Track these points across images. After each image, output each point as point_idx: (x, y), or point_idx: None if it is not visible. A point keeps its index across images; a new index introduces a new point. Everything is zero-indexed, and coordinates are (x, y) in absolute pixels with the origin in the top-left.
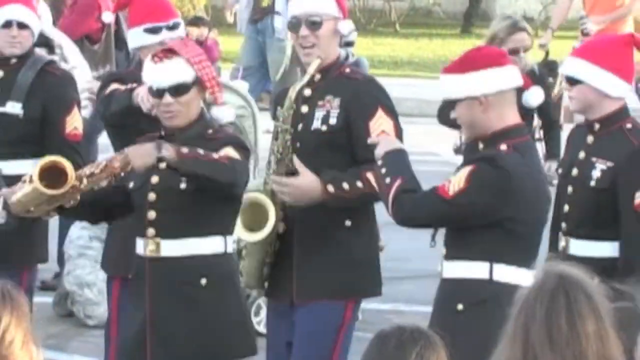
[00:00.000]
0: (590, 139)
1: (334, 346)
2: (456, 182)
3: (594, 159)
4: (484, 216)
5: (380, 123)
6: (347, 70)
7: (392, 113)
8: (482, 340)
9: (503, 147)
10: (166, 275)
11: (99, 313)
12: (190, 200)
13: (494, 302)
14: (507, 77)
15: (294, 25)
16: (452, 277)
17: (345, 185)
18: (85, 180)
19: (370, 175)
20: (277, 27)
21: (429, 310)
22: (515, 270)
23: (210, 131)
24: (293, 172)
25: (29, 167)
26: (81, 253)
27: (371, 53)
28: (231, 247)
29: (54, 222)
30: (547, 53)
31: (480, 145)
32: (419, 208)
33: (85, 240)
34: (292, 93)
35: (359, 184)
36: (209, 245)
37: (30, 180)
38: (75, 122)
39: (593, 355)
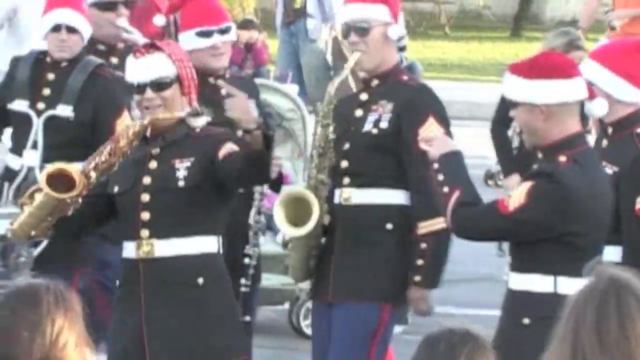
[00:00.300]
0: (604, 143)
1: (369, 349)
2: (516, 198)
3: (604, 163)
4: (544, 232)
5: (430, 130)
6: (405, 77)
7: (443, 121)
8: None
9: (562, 158)
10: (161, 276)
11: None
12: (186, 200)
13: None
14: (573, 89)
15: (345, 31)
16: (518, 289)
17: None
18: (92, 174)
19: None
20: (309, 29)
21: (479, 313)
22: (579, 283)
23: (197, 130)
24: (347, 172)
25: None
26: None
27: (421, 56)
28: (221, 248)
29: None
30: None
31: (540, 155)
32: (479, 223)
33: None
34: (331, 89)
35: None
36: (203, 244)
37: (30, 200)
38: (125, 125)
39: None
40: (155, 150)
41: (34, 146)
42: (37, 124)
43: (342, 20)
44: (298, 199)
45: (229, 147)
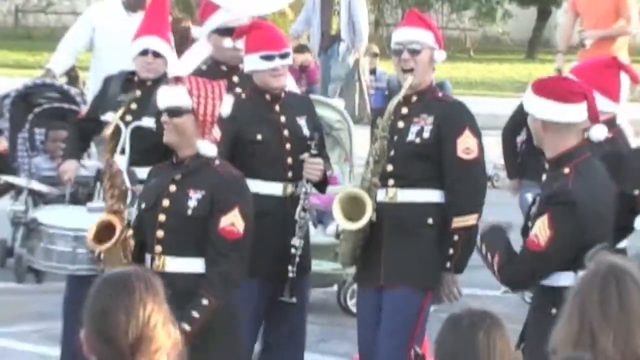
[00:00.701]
0: None
1: (414, 326)
2: (541, 233)
3: None
4: (575, 248)
5: (466, 141)
6: (440, 94)
7: (476, 133)
8: None
9: (566, 170)
10: (168, 288)
11: None
12: (192, 226)
13: None
14: (570, 113)
15: (397, 50)
16: (546, 284)
17: (328, 173)
18: (117, 205)
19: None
20: (341, 51)
21: (497, 294)
22: None
23: (216, 162)
24: (392, 174)
25: None
26: None
27: (449, 75)
28: None
29: None
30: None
31: (547, 166)
32: (522, 272)
33: None
34: (391, 107)
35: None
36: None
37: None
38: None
39: (639, 328)
40: (177, 176)
41: (122, 152)
42: (125, 133)
43: (396, 40)
44: (354, 197)
45: (228, 224)
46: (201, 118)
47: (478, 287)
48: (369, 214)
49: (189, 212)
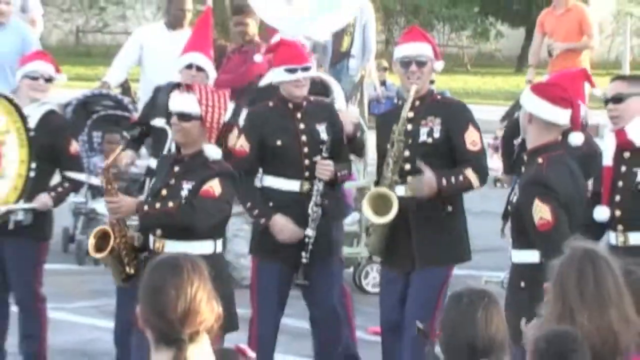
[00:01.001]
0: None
1: (438, 298)
2: (544, 213)
3: (635, 169)
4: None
5: (471, 135)
6: (439, 97)
7: (477, 127)
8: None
9: (540, 160)
10: None
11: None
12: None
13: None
14: (562, 116)
15: (406, 63)
16: (517, 262)
17: (453, 180)
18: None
19: (467, 172)
20: (351, 67)
21: (492, 274)
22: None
23: (211, 161)
24: (409, 172)
25: None
26: (235, 234)
27: (448, 86)
28: (220, 248)
29: None
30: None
31: (525, 158)
32: (555, 251)
33: (237, 225)
34: (404, 114)
35: (461, 178)
36: (201, 247)
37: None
38: (234, 139)
39: (613, 307)
40: (177, 170)
41: (169, 151)
42: (171, 136)
43: (402, 54)
44: (380, 195)
45: (207, 186)
46: (208, 125)
47: (474, 268)
48: (395, 209)
49: (183, 200)
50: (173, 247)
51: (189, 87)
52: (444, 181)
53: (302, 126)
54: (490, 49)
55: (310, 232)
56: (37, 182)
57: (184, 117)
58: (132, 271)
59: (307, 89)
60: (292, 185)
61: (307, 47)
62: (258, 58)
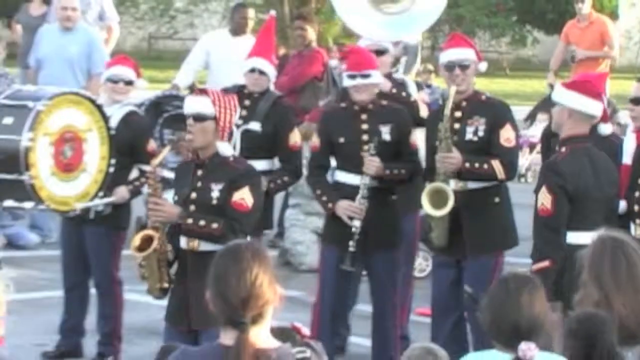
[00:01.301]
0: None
1: (492, 282)
2: (546, 200)
3: None
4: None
5: (507, 132)
6: (483, 97)
7: (515, 127)
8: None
9: (563, 149)
10: (201, 262)
11: (307, 261)
12: (218, 212)
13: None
14: (592, 107)
15: (450, 67)
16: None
17: (476, 165)
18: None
19: (494, 163)
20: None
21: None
22: (574, 235)
23: (231, 158)
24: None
25: (264, 165)
26: (292, 224)
27: (489, 89)
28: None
29: (278, 199)
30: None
31: (557, 146)
32: (547, 238)
33: (294, 215)
34: (446, 111)
35: (485, 166)
36: None
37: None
38: (295, 138)
39: None
40: (201, 173)
41: (234, 148)
42: (236, 134)
43: (449, 59)
44: (437, 190)
45: (239, 197)
46: (221, 124)
47: (512, 255)
48: (451, 202)
49: (214, 202)
50: (207, 245)
51: (201, 91)
52: (467, 163)
53: (365, 126)
54: (527, 55)
55: (356, 222)
56: (116, 176)
57: (200, 118)
58: (166, 285)
59: (368, 94)
60: (353, 179)
61: (391, 51)
62: (333, 62)
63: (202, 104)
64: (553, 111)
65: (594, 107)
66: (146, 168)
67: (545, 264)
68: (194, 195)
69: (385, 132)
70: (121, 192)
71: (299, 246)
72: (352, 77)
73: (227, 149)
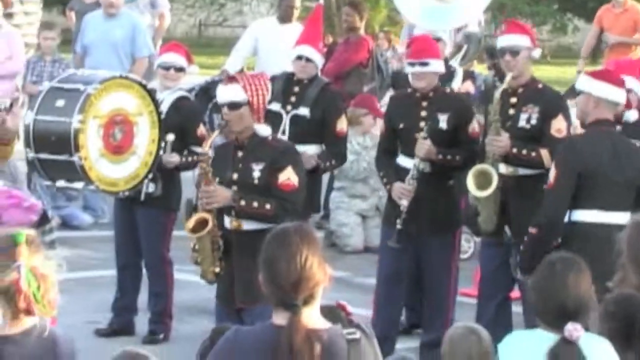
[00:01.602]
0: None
1: None
2: (552, 174)
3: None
4: (573, 187)
5: (558, 123)
6: (540, 85)
7: (567, 118)
8: None
9: (585, 130)
10: (245, 241)
11: (352, 242)
12: (260, 191)
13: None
14: (621, 96)
15: (502, 52)
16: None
17: (524, 152)
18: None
19: (542, 151)
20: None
21: None
22: (583, 212)
23: (269, 138)
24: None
25: (312, 150)
26: (337, 206)
27: None
28: None
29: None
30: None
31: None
32: (545, 210)
33: (339, 198)
34: (497, 95)
35: (533, 154)
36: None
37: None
38: (342, 124)
39: None
40: (241, 154)
41: (283, 133)
42: (285, 119)
43: (500, 45)
44: (482, 171)
45: (284, 179)
46: (255, 107)
47: None
48: (495, 183)
49: (255, 181)
50: (250, 225)
51: (232, 79)
52: (515, 149)
53: (423, 113)
54: (567, 42)
55: (404, 202)
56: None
57: (233, 106)
58: (218, 269)
59: (427, 82)
60: (410, 163)
61: (447, 39)
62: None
63: (234, 92)
64: (577, 100)
65: (618, 95)
66: (197, 149)
67: (532, 230)
68: (235, 176)
69: (443, 120)
70: (169, 157)
71: (344, 228)
72: (412, 64)
73: (265, 129)
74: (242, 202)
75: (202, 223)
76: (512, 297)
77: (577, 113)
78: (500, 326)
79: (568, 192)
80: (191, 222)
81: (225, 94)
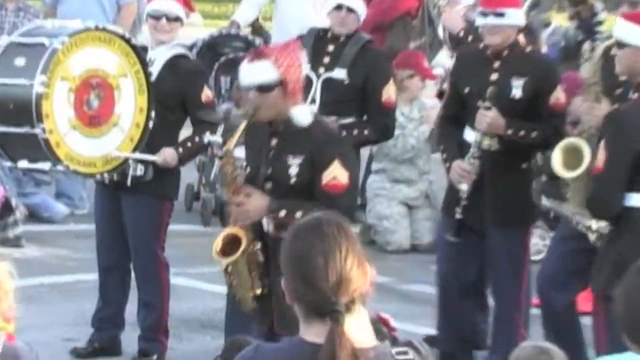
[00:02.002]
0: None
1: None
2: (600, 157)
3: None
4: (628, 166)
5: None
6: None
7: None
8: None
9: (635, 96)
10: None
11: (395, 239)
12: (298, 191)
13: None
14: None
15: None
16: None
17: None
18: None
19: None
20: None
21: None
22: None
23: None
24: None
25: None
26: (377, 193)
27: None
28: None
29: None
30: None
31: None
32: (596, 196)
33: (379, 183)
34: (599, 51)
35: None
36: None
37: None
38: (390, 92)
39: None
40: (275, 142)
41: (312, 102)
42: (316, 84)
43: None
44: (571, 148)
45: (331, 178)
46: (291, 86)
47: None
48: (587, 160)
49: (292, 180)
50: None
51: (258, 54)
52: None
53: (494, 77)
54: None
55: (464, 186)
56: (161, 135)
57: (264, 88)
58: (259, 290)
59: (502, 37)
60: (470, 135)
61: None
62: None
63: (264, 70)
64: (619, 54)
65: None
66: (213, 138)
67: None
68: (268, 170)
69: (517, 86)
70: (167, 154)
71: (385, 221)
72: (484, 14)
73: (305, 115)
74: (282, 214)
75: (233, 241)
76: (534, 303)
77: (618, 69)
78: (568, 341)
79: (622, 175)
80: (219, 242)
81: (253, 73)
